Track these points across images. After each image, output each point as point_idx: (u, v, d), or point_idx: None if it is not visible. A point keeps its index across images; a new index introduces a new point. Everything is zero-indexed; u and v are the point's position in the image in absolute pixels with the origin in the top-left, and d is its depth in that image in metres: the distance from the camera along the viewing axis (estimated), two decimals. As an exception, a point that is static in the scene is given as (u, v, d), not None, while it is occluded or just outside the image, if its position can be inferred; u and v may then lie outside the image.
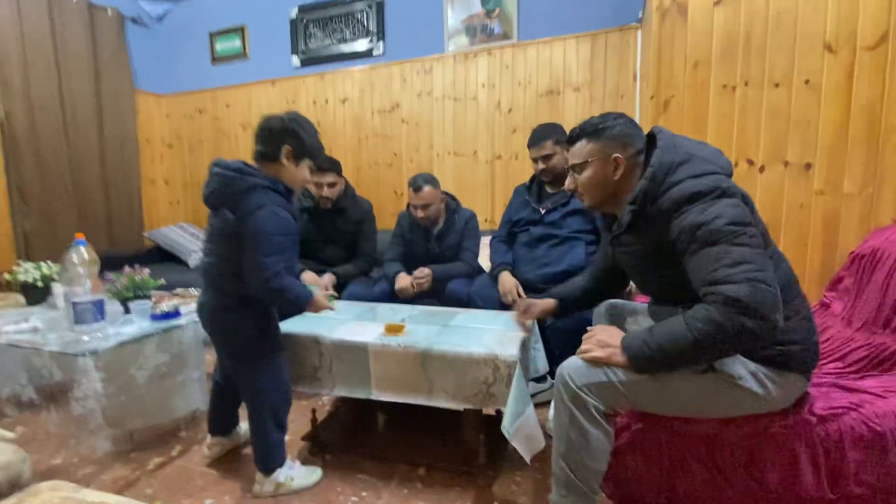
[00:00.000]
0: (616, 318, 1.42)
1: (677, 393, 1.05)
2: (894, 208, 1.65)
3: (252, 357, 1.37)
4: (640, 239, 1.11)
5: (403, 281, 2.11)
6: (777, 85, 1.76)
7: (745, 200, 1.01)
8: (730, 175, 1.07)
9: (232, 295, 1.33)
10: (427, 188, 2.11)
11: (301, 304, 1.34)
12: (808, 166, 1.75)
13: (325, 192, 2.25)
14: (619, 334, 1.09)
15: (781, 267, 1.06)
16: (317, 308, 1.38)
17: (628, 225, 1.10)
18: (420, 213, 2.15)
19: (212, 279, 1.36)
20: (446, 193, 2.26)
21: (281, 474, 1.42)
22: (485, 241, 2.34)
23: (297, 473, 1.45)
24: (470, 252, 2.24)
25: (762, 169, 1.81)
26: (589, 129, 1.14)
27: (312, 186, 2.26)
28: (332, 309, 1.43)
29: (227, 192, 1.26)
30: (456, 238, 2.23)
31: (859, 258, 1.51)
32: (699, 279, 0.95)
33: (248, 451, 1.69)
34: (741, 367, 1.01)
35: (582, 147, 1.16)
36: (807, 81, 1.72)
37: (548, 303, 1.47)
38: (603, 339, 1.09)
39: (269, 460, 1.41)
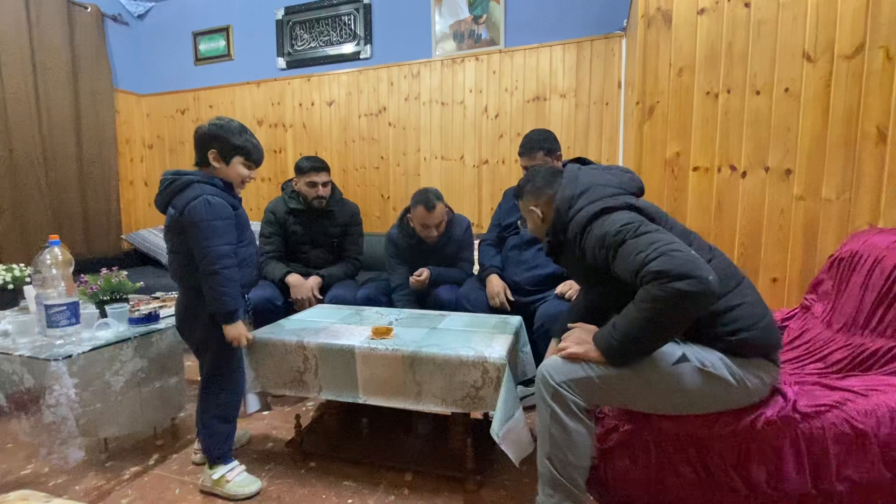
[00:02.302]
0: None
1: (652, 384, 1.07)
2: (871, 213, 1.70)
3: (208, 347, 1.42)
4: (570, 264, 1.27)
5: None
6: (758, 92, 1.80)
7: (642, 210, 1.15)
8: (639, 192, 1.26)
9: (189, 287, 1.41)
10: (439, 205, 2.04)
11: (226, 306, 1.35)
12: (789, 172, 1.79)
13: (320, 191, 2.23)
14: (594, 330, 1.13)
15: (717, 258, 1.14)
16: (235, 335, 1.39)
17: (555, 254, 1.29)
18: (434, 233, 2.08)
19: (174, 275, 1.44)
20: (447, 207, 2.19)
21: (220, 471, 1.43)
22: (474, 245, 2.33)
23: (234, 477, 1.44)
24: (467, 262, 2.23)
25: (744, 174, 1.85)
26: (518, 193, 1.37)
27: (305, 187, 2.23)
28: (248, 340, 1.43)
29: (168, 192, 1.38)
30: (454, 248, 2.19)
31: (838, 261, 1.55)
32: (629, 274, 1.03)
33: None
34: (711, 356, 1.06)
35: (520, 206, 1.38)
36: (786, 89, 1.76)
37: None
38: (579, 335, 1.15)
39: (211, 451, 1.44)
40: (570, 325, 1.24)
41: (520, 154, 2.03)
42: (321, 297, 2.18)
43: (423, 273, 2.08)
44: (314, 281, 2.19)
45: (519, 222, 1.45)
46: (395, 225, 2.23)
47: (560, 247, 1.26)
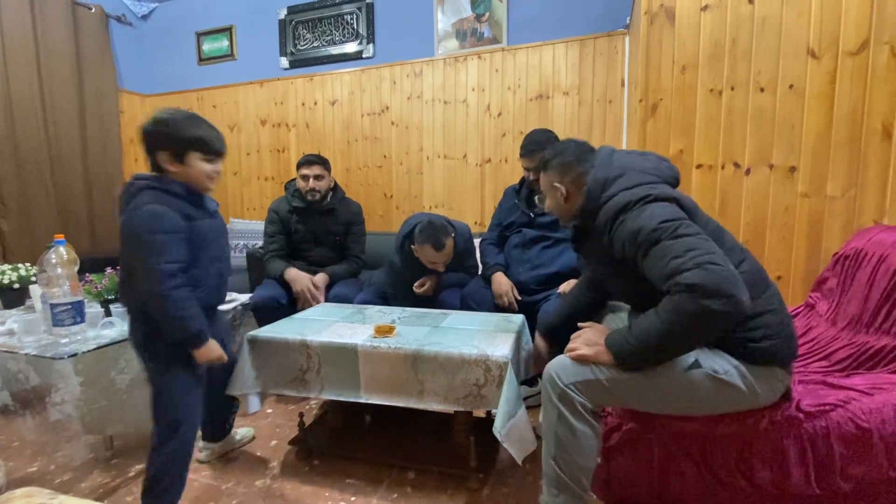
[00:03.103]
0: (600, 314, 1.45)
1: (662, 389, 1.05)
2: (876, 210, 1.68)
3: (150, 376, 1.24)
4: (594, 251, 1.19)
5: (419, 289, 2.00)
6: (762, 89, 1.79)
7: (682, 203, 1.07)
8: (674, 181, 1.16)
9: (130, 304, 1.24)
10: (450, 242, 1.84)
11: (190, 329, 1.17)
12: (793, 169, 1.78)
13: (311, 183, 2.22)
14: (605, 332, 1.11)
15: (748, 260, 1.09)
16: (209, 357, 1.22)
17: (579, 240, 1.22)
18: (443, 268, 1.95)
19: (124, 296, 1.26)
20: (448, 220, 1.98)
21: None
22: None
23: None
24: (472, 268, 2.18)
25: (748, 172, 1.84)
26: (542, 165, 1.28)
27: (300, 181, 2.24)
28: (223, 360, 1.27)
29: (122, 199, 1.21)
30: (456, 261, 2.02)
31: (843, 259, 1.54)
32: (657, 278, 0.99)
33: (236, 455, 1.66)
34: (724, 363, 1.03)
35: (541, 179, 1.30)
36: (791, 86, 1.75)
37: (543, 345, 1.54)
38: (590, 337, 1.12)
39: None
40: (580, 325, 1.20)
41: (521, 155, 2.01)
42: (319, 287, 2.17)
43: (426, 284, 1.99)
44: (321, 278, 2.19)
45: (536, 198, 1.37)
46: (397, 253, 2.04)
47: (586, 233, 1.18)
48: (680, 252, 0.94)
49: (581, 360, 1.08)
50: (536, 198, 1.37)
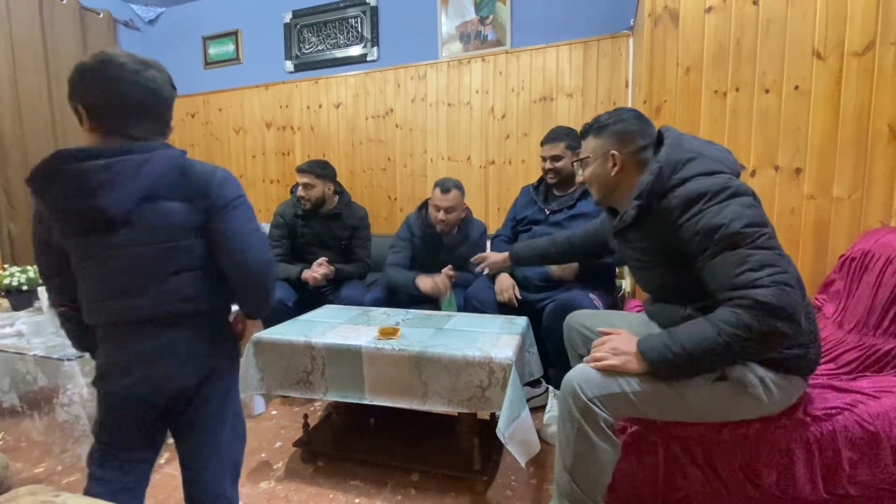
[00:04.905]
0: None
1: (690, 402, 1.02)
2: (883, 211, 1.67)
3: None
4: (647, 235, 1.10)
5: (429, 281, 1.98)
6: (767, 91, 1.78)
7: (756, 200, 1.01)
8: (737, 176, 1.06)
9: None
10: (455, 192, 2.09)
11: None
12: (799, 171, 1.77)
13: (299, 192, 2.25)
14: (634, 340, 1.06)
15: (793, 267, 1.05)
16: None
17: (634, 221, 1.09)
18: (441, 216, 2.10)
19: None
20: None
21: None
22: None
23: None
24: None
25: (753, 173, 1.83)
26: (594, 126, 1.17)
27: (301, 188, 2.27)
28: None
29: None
30: (467, 251, 2.14)
31: (849, 261, 1.53)
32: (720, 283, 0.94)
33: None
34: (751, 375, 0.99)
35: (587, 143, 1.20)
36: (796, 87, 1.74)
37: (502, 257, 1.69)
38: (616, 345, 1.06)
39: None
40: (599, 329, 1.16)
41: (542, 143, 2.08)
42: (327, 275, 2.19)
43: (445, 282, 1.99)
44: (325, 267, 2.20)
45: (575, 164, 1.25)
46: (415, 211, 2.26)
47: (645, 215, 1.07)
48: (755, 265, 0.90)
49: (608, 370, 1.03)
50: (575, 163, 1.25)
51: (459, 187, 2.12)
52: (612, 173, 1.14)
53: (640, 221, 1.09)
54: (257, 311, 1.05)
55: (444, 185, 2.09)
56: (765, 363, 1.00)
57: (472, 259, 1.79)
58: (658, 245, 1.08)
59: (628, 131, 1.12)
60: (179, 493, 1.44)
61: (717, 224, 0.94)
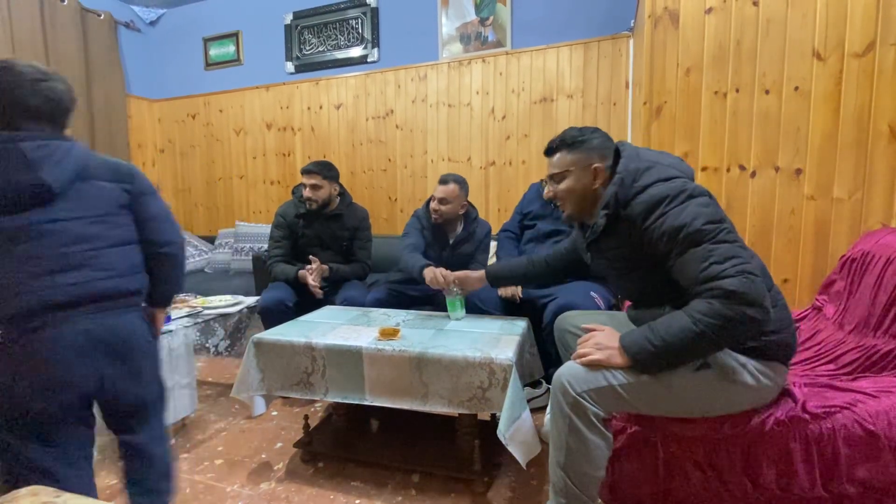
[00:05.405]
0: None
1: (678, 392, 1.05)
2: (883, 212, 1.67)
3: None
4: (619, 242, 1.15)
5: (430, 273, 1.93)
6: (767, 91, 1.78)
7: (712, 199, 1.07)
8: (692, 179, 1.14)
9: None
10: (452, 185, 2.12)
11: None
12: (799, 171, 1.77)
13: (306, 192, 2.26)
14: (616, 335, 1.09)
15: (756, 258, 1.09)
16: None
17: (604, 230, 1.15)
18: (433, 205, 2.14)
19: None
20: (470, 203, 2.23)
21: None
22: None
23: None
24: (480, 265, 2.22)
25: (753, 174, 1.83)
26: (569, 140, 1.21)
27: (303, 187, 2.27)
28: None
29: None
30: (471, 248, 2.21)
31: (850, 262, 1.53)
32: (690, 278, 0.99)
33: (241, 458, 1.66)
34: (733, 361, 1.03)
35: (562, 157, 1.22)
36: (796, 88, 1.74)
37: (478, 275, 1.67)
38: (600, 340, 1.10)
39: None
40: (583, 326, 1.19)
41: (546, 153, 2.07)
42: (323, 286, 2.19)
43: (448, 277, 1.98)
44: (317, 266, 2.19)
45: (544, 181, 1.29)
46: (422, 206, 2.29)
47: (614, 223, 1.14)
48: (719, 258, 0.96)
49: (593, 365, 1.06)
50: (543, 180, 1.30)
51: (459, 181, 2.14)
52: (595, 186, 1.19)
53: (609, 230, 1.15)
54: (168, 292, 1.19)
55: (444, 178, 2.14)
56: (745, 352, 1.04)
57: (450, 281, 1.72)
58: (630, 250, 1.13)
59: (605, 146, 1.19)
60: (180, 494, 1.45)
61: (680, 224, 1.01)
